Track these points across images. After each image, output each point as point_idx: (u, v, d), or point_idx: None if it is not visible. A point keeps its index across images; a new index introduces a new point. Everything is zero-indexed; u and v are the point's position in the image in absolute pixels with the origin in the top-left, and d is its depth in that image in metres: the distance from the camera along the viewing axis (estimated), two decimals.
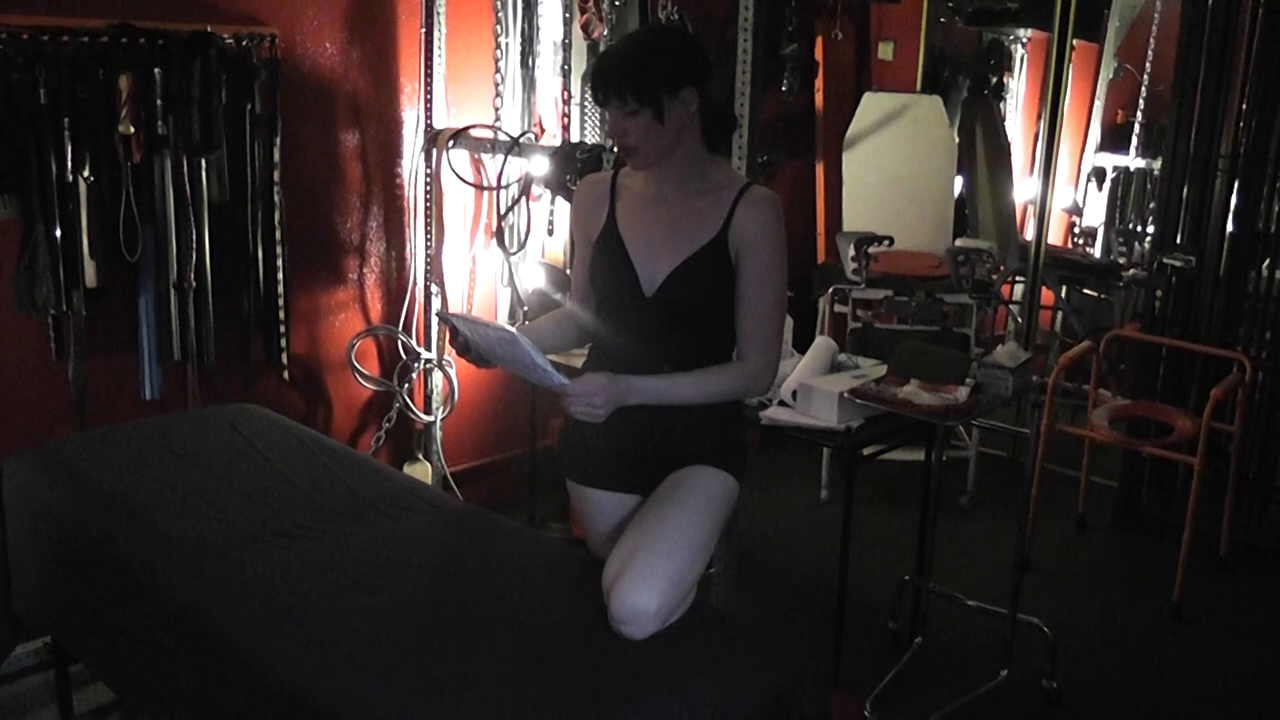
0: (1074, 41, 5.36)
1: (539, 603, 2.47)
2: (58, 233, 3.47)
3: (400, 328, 4.49)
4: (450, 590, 2.54)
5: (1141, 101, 7.19)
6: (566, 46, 4.36)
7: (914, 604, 3.93)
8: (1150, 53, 7.16)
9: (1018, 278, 5.87)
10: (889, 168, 5.72)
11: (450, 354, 4.55)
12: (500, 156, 4.24)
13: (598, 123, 4.68)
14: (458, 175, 4.40)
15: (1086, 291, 6.31)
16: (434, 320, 4.52)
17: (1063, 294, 6.22)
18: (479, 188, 4.58)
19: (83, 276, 3.55)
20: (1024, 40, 6.86)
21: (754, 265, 2.48)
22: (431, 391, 4.59)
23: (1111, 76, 7.13)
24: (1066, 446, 4.92)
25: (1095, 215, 7.17)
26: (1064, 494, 5.08)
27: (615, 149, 2.55)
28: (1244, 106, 4.61)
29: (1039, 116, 5.98)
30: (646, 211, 2.56)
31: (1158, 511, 4.93)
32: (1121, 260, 6.71)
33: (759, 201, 2.51)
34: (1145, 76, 7.20)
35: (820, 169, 6.16)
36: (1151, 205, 6.61)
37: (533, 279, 4.44)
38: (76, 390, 3.68)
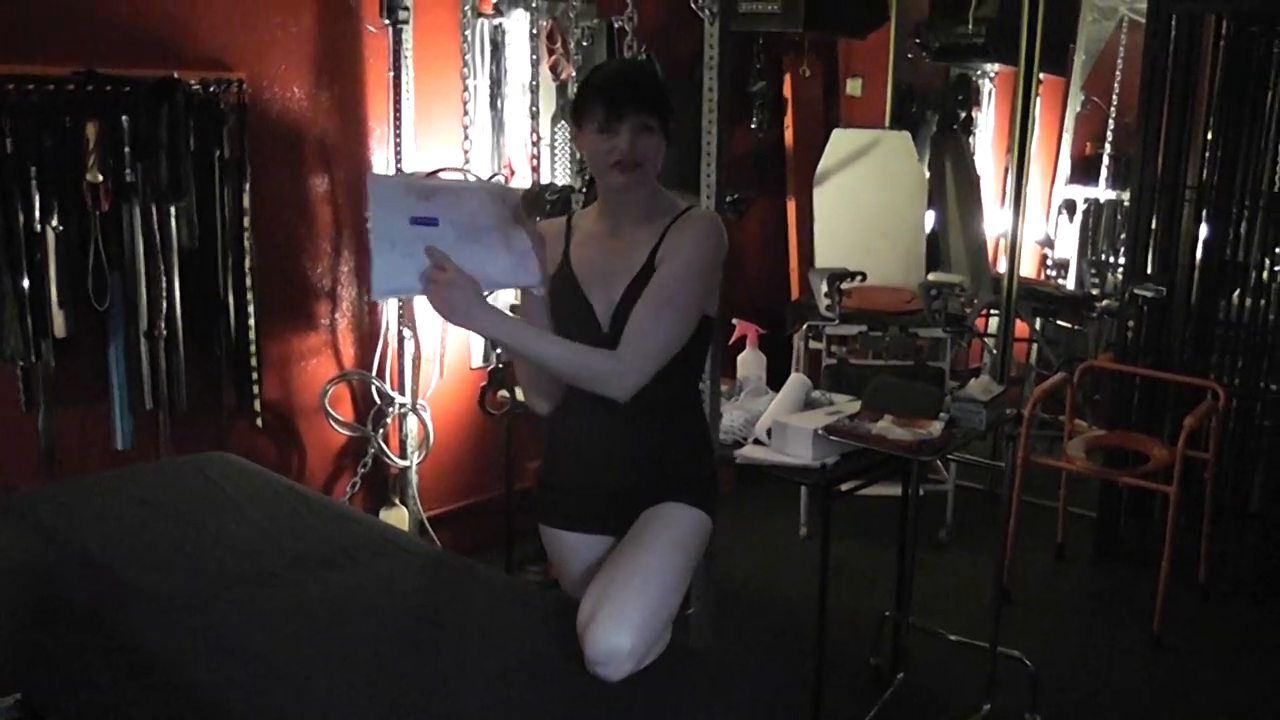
0: (1041, 75, 5.41)
1: (514, 647, 2.44)
2: (25, 283, 3.45)
3: (374, 372, 4.47)
4: (424, 637, 2.51)
5: (1109, 133, 7.26)
6: (534, 88, 4.37)
7: (895, 639, 3.92)
8: (1116, 85, 7.24)
9: (991, 310, 5.89)
10: (860, 203, 5.73)
11: (424, 398, 4.54)
12: None
13: (567, 164, 4.69)
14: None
15: (1060, 323, 6.34)
16: (407, 359, 4.48)
17: (1037, 326, 6.24)
18: None
19: (51, 326, 3.53)
20: (991, 74, 6.92)
21: (661, 270, 2.43)
22: (406, 436, 4.56)
23: (1079, 109, 7.20)
24: (1044, 477, 4.93)
25: (1067, 247, 7.23)
26: (1043, 525, 5.07)
27: (614, 167, 2.42)
28: (1209, 137, 4.66)
29: (1008, 149, 6.02)
30: (599, 245, 2.53)
31: (1136, 541, 4.93)
32: (1094, 291, 6.75)
33: (689, 220, 2.48)
34: (1112, 109, 7.28)
35: (791, 205, 6.18)
36: (1122, 236, 6.66)
37: (504, 314, 4.42)
38: (46, 441, 3.65)
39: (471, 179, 4.19)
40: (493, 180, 4.26)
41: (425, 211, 2.28)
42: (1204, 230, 4.72)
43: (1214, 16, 4.65)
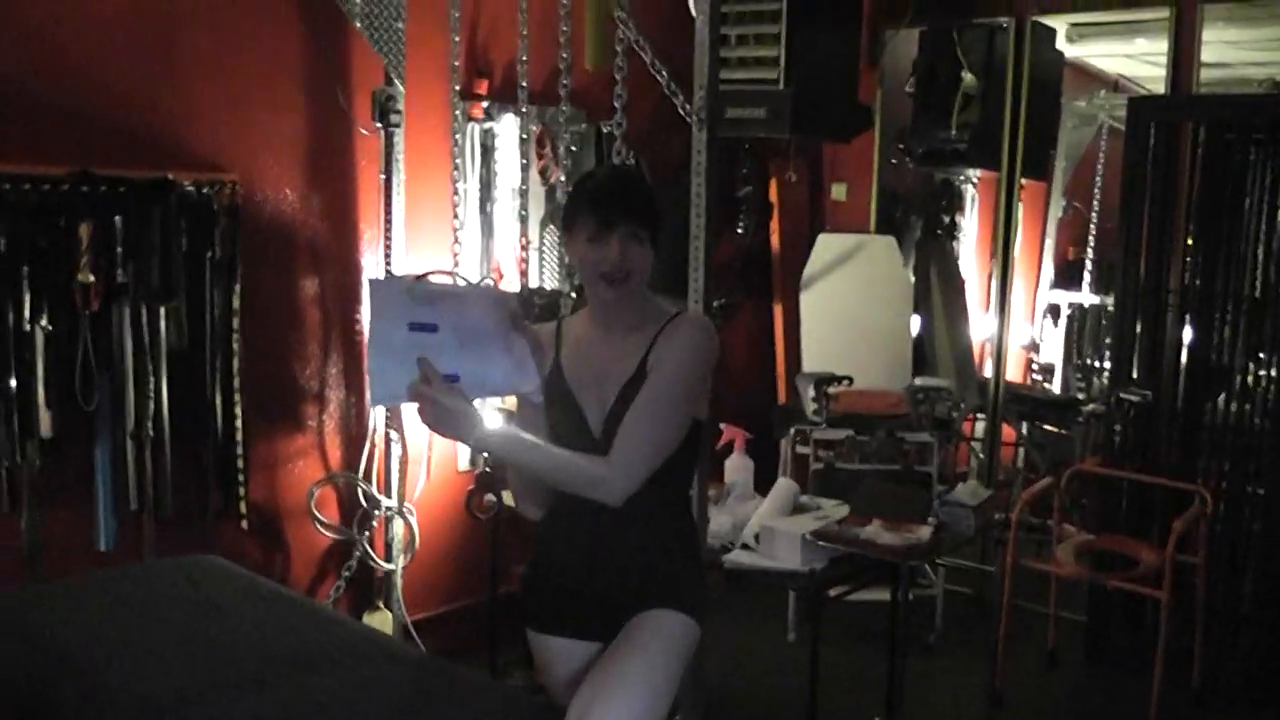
0: (1023, 180, 5.48)
1: None
2: (13, 382, 3.44)
3: (360, 475, 4.45)
4: None
5: (1091, 238, 7.33)
6: (524, 192, 4.41)
7: None
8: (1098, 190, 7.31)
9: (978, 414, 5.90)
10: (846, 307, 5.76)
11: (411, 501, 4.51)
12: None
13: (555, 267, 4.72)
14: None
15: (1047, 427, 6.34)
16: (394, 462, 4.46)
17: (1023, 430, 6.25)
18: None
19: (38, 426, 3.52)
20: (974, 180, 6.99)
21: (653, 376, 2.43)
22: (392, 539, 4.52)
23: (1060, 215, 7.27)
24: (1033, 581, 4.90)
25: (1053, 351, 7.25)
26: (1033, 630, 5.02)
27: (603, 277, 2.43)
28: (1189, 242, 4.72)
29: (992, 254, 6.08)
30: (590, 351, 2.54)
31: (1128, 645, 4.89)
32: (1080, 395, 6.77)
33: (680, 325, 2.50)
34: (1094, 214, 7.35)
35: (778, 310, 6.21)
36: (1107, 340, 6.69)
37: (493, 424, 4.41)
38: (29, 542, 3.62)
39: (461, 282, 4.20)
40: (484, 283, 4.27)
41: (425, 317, 2.28)
42: (1188, 334, 4.75)
43: (1191, 124, 4.74)
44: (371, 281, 2.61)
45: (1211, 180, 4.67)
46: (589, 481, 2.37)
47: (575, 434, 2.49)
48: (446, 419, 2.27)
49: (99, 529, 3.72)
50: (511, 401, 4.56)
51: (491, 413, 4.39)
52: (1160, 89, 5.18)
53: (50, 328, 3.51)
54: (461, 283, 4.09)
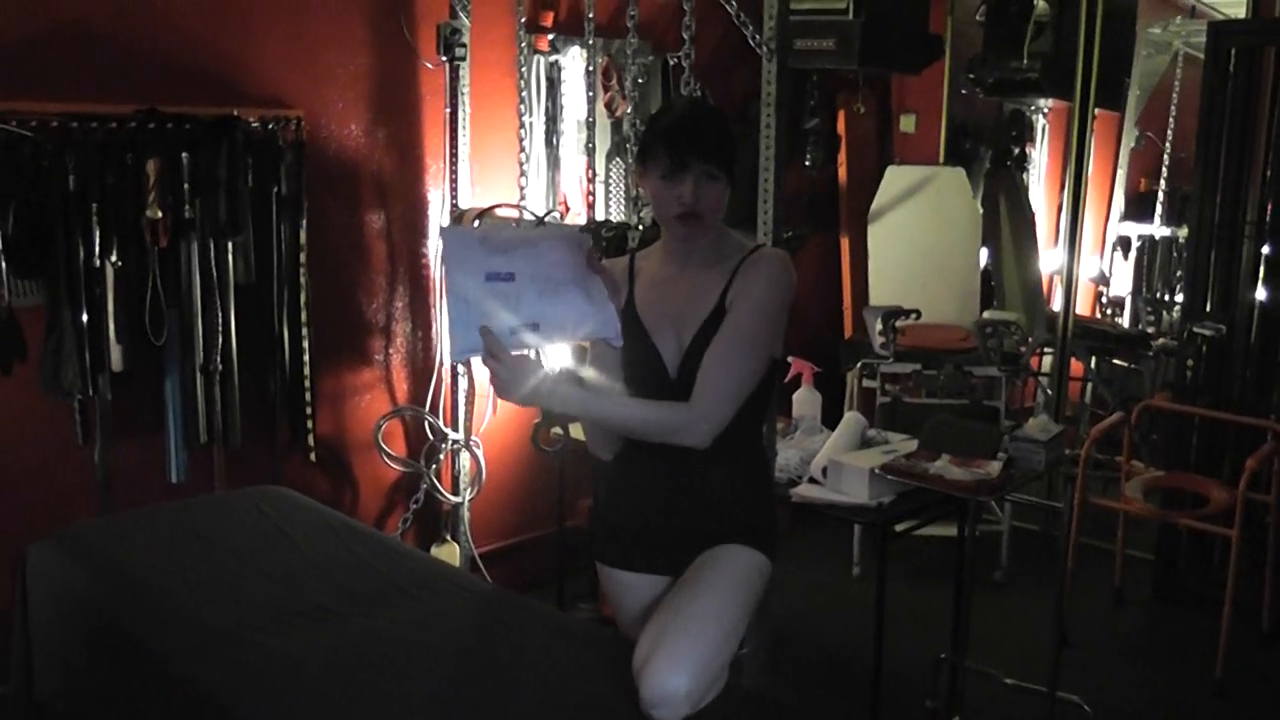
0: (1095, 110, 5.37)
1: (568, 686, 2.43)
2: (84, 317, 3.48)
3: (427, 408, 4.48)
4: (477, 673, 2.50)
5: (1164, 169, 7.19)
6: (590, 125, 4.38)
7: (950, 682, 3.86)
8: (1171, 121, 7.18)
9: (1046, 349, 5.83)
10: (914, 240, 5.71)
11: (477, 434, 4.54)
12: None
13: (622, 200, 4.69)
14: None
15: (1116, 362, 6.26)
16: (460, 395, 4.49)
17: (1092, 365, 6.17)
18: None
19: (109, 360, 3.56)
20: (1045, 110, 6.87)
21: (734, 312, 2.41)
22: (459, 472, 4.56)
23: (1133, 145, 7.14)
24: (1101, 519, 4.85)
25: (1122, 284, 7.15)
26: (1100, 567, 4.99)
27: (676, 216, 2.39)
28: (1268, 172, 4.60)
29: (1062, 186, 5.98)
30: (666, 289, 2.51)
31: (1196, 584, 4.84)
32: (1150, 329, 6.67)
33: (759, 260, 2.47)
34: (1167, 145, 7.21)
35: (845, 243, 6.16)
36: (1178, 273, 6.58)
37: (560, 359, 4.42)
38: (102, 474, 3.67)
39: (529, 216, 4.19)
40: (553, 218, 4.25)
41: (501, 267, 2.26)
42: (1263, 267, 4.65)
43: (1273, 49, 4.60)
44: (443, 230, 2.59)
45: None
46: (672, 430, 2.38)
47: (650, 373, 2.48)
48: (517, 389, 2.26)
49: (170, 461, 3.78)
50: None
51: (562, 350, 4.40)
52: (1240, 14, 5.03)
53: (120, 263, 3.54)
54: (530, 217, 4.10)
